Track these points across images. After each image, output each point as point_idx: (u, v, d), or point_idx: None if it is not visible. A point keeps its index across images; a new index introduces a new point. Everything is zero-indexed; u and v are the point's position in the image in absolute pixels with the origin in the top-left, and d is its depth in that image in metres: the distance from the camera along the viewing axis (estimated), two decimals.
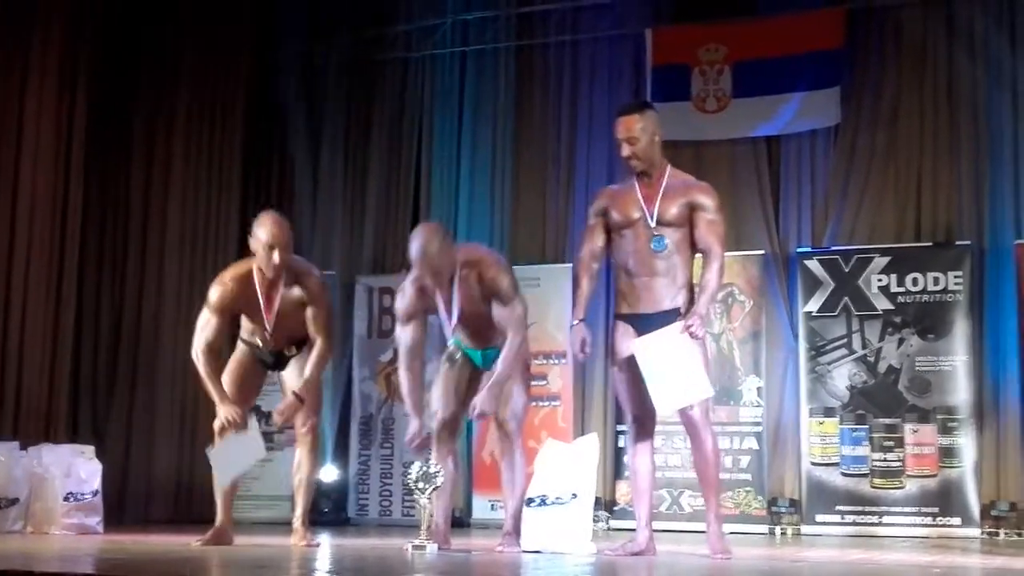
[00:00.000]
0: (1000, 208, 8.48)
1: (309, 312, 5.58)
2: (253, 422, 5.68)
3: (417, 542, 5.03)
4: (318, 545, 5.71)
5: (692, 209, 5.05)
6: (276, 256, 5.44)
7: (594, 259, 5.21)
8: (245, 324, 5.78)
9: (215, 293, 5.55)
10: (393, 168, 9.99)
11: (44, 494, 6.90)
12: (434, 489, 5.08)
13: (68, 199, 8.63)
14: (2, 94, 8.25)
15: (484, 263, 5.26)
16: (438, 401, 5.49)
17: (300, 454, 5.75)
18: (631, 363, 4.99)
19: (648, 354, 4.94)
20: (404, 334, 5.40)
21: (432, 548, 5.03)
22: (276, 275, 5.53)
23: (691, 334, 4.89)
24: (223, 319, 5.58)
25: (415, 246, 5.14)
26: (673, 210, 5.03)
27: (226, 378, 5.69)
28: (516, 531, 5.40)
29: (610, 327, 5.26)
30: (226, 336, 5.74)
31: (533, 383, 8.88)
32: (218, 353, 5.66)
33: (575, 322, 5.14)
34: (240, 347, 5.79)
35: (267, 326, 5.60)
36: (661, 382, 4.91)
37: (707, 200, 5.07)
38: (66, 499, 6.83)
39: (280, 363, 5.74)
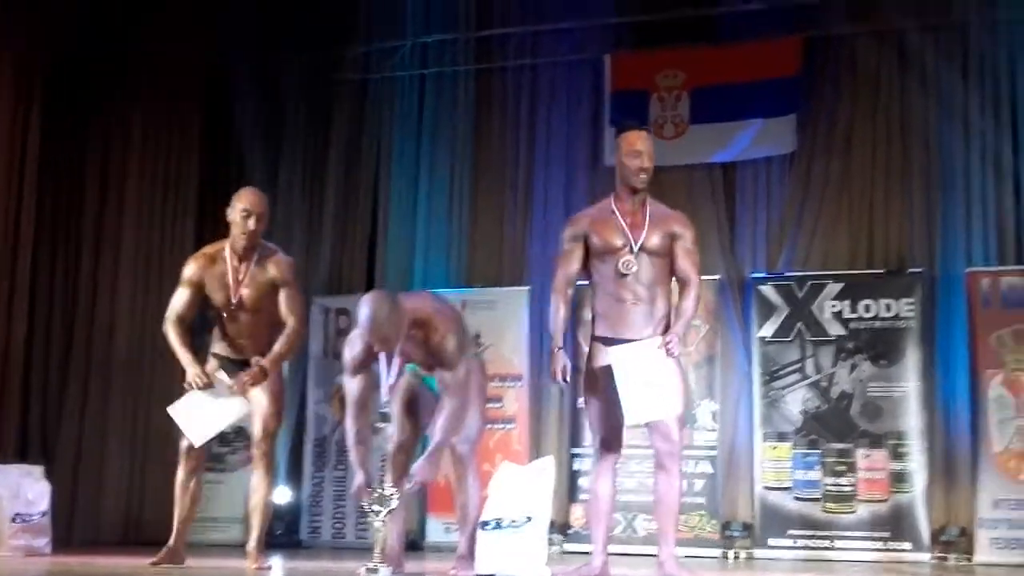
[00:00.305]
0: (951, 236, 8.58)
1: (281, 294, 5.72)
2: (222, 379, 5.65)
3: (371, 566, 4.96)
4: (269, 568, 5.66)
5: (672, 239, 5.10)
6: (251, 223, 5.66)
7: (569, 285, 5.23)
8: (216, 334, 5.84)
9: (188, 267, 5.79)
10: (351, 189, 9.97)
11: None
12: (388, 512, 5.01)
13: (20, 216, 8.52)
14: None
15: (431, 324, 5.14)
16: (394, 423, 5.44)
17: (255, 477, 5.73)
18: (607, 383, 5.00)
19: (624, 363, 4.98)
20: (351, 385, 5.27)
21: (386, 571, 4.97)
22: (249, 244, 5.70)
23: (667, 351, 4.91)
24: (194, 292, 5.76)
25: (364, 314, 4.99)
26: (655, 239, 5.09)
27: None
28: (470, 554, 5.35)
29: (577, 350, 5.27)
30: (196, 311, 5.86)
31: (488, 405, 8.97)
32: (188, 326, 5.79)
33: (556, 349, 5.13)
34: (210, 361, 5.81)
35: (232, 299, 5.68)
36: (634, 392, 4.94)
37: (686, 231, 5.17)
38: (14, 520, 6.75)
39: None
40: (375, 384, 5.32)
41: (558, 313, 5.15)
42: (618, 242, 5.08)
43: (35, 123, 8.61)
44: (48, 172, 8.85)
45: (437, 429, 5.17)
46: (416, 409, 5.45)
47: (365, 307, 5.01)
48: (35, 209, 8.68)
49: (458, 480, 5.51)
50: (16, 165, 8.49)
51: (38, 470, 7.15)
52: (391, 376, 5.19)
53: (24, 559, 6.40)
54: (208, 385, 5.60)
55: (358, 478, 5.14)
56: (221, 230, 9.76)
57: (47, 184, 8.85)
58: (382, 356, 5.18)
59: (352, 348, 5.24)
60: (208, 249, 5.86)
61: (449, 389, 5.17)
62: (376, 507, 4.98)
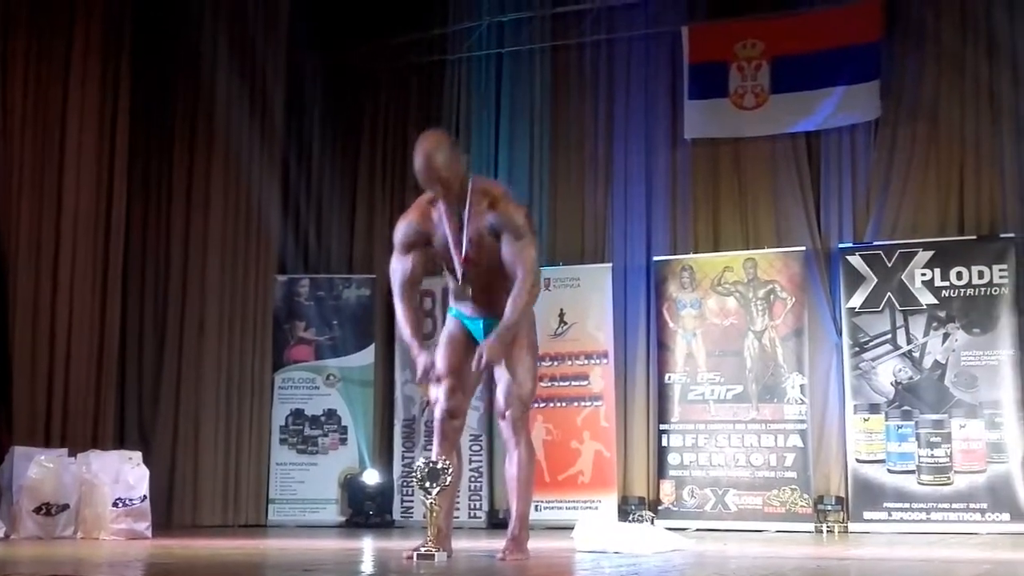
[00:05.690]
0: None
1: None
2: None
3: (423, 550, 4.49)
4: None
5: None
6: None
7: None
8: None
9: None
10: None
11: (93, 500, 6.97)
12: (442, 489, 4.54)
13: (111, 206, 8.74)
14: (44, 100, 8.35)
15: (496, 194, 4.74)
16: (437, 388, 4.91)
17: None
18: None
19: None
20: (401, 264, 4.85)
21: (441, 557, 4.48)
22: None
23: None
24: None
25: (420, 154, 4.60)
26: None
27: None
28: (521, 535, 4.82)
29: None
30: None
31: (575, 383, 8.99)
32: None
33: None
34: None
35: None
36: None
37: None
38: (115, 505, 6.89)
39: None
40: (427, 264, 4.87)
41: None
42: None
43: (123, 114, 8.82)
44: (136, 167, 9.08)
45: (509, 303, 4.66)
46: (465, 371, 4.89)
47: (420, 148, 4.62)
48: (125, 206, 8.89)
49: (507, 452, 4.92)
50: (106, 159, 8.68)
51: (137, 455, 7.29)
52: (464, 246, 4.69)
53: (126, 542, 6.54)
54: None
55: (421, 359, 4.72)
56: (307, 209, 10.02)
57: (136, 179, 9.12)
58: (447, 231, 4.72)
59: (405, 223, 4.85)
60: None
61: (519, 262, 4.65)
62: (428, 483, 4.51)
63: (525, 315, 4.74)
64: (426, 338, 8.45)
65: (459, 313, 4.96)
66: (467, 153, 4.82)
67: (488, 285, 4.79)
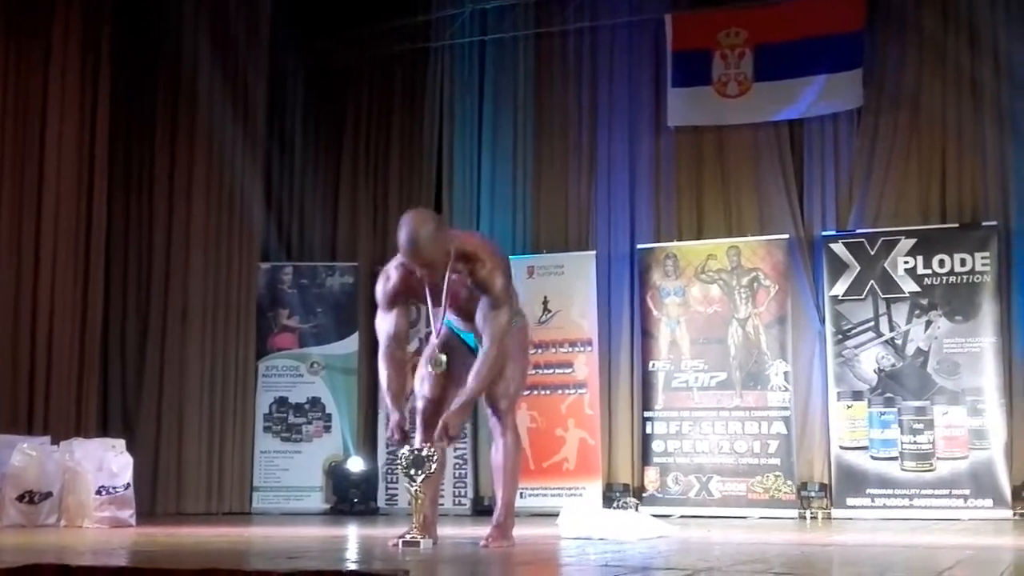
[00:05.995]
0: None
1: None
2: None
3: (409, 537, 4.52)
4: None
5: None
6: None
7: None
8: None
9: None
10: (415, 159, 10.00)
11: (77, 488, 6.95)
12: (427, 476, 4.56)
13: (92, 195, 8.69)
14: (25, 89, 8.30)
15: (479, 259, 4.74)
16: (423, 382, 4.97)
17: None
18: None
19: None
20: (385, 321, 4.87)
21: (426, 544, 4.52)
22: None
23: None
24: None
25: (404, 234, 4.58)
26: None
27: None
28: (506, 522, 4.90)
29: None
30: None
31: (559, 371, 9.00)
32: None
33: None
34: None
35: None
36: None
37: None
38: (98, 493, 6.87)
39: None
40: (412, 320, 4.93)
41: None
42: None
43: (104, 99, 8.77)
44: (117, 154, 9.03)
45: (471, 376, 4.71)
46: (449, 365, 4.93)
47: (404, 228, 4.59)
48: (107, 191, 8.84)
49: (493, 441, 5.02)
50: (87, 144, 8.63)
51: (120, 443, 7.27)
52: (442, 308, 4.76)
53: (110, 530, 6.51)
54: None
55: (393, 418, 4.77)
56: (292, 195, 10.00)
57: (117, 167, 9.06)
58: (427, 293, 4.77)
59: (387, 281, 4.85)
60: None
61: (487, 331, 4.71)
62: (413, 470, 4.53)
63: (486, 386, 4.78)
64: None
65: (449, 323, 5.03)
66: (451, 226, 4.83)
67: (469, 317, 4.88)
